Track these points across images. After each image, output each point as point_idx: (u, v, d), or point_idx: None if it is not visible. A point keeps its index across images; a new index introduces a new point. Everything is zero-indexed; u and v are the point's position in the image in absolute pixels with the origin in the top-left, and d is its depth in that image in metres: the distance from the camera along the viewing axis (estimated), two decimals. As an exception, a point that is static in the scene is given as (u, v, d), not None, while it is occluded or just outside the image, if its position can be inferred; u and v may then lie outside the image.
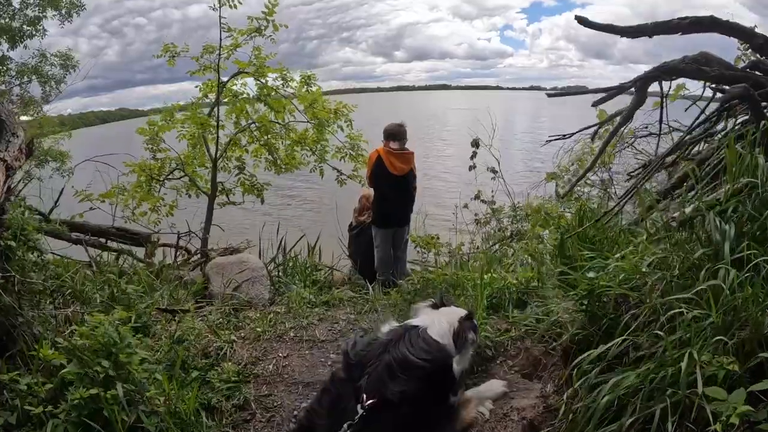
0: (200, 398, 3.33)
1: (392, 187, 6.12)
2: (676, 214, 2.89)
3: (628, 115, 3.88)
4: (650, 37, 3.67)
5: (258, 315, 4.57)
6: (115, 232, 7.72)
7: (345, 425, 2.47)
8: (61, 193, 7.17)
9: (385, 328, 2.93)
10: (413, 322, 2.97)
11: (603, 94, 3.81)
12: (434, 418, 2.79)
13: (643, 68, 3.92)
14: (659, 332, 2.38)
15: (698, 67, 3.65)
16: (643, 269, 2.79)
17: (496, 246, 7.63)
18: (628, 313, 2.70)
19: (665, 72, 3.62)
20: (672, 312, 2.37)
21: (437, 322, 2.96)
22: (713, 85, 4.10)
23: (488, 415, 3.08)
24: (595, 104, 4.03)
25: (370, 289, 5.07)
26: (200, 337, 3.99)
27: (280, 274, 5.85)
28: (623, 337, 2.56)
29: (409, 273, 6.52)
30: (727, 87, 3.94)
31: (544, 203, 6.96)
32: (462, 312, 3.20)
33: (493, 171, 8.25)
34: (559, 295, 3.81)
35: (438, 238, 5.66)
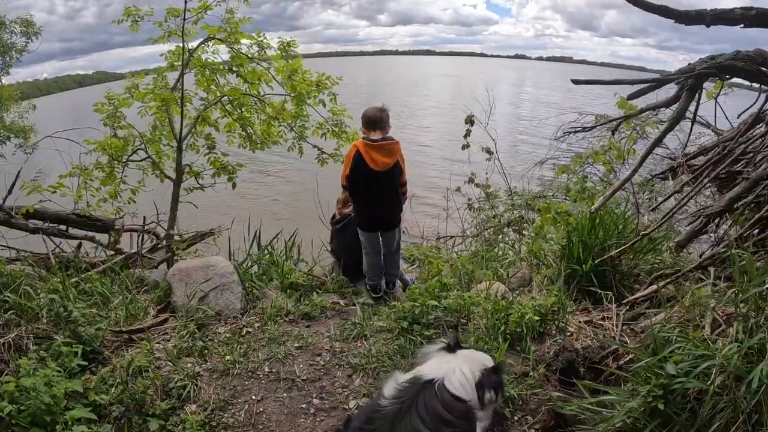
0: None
1: (375, 186, 5.16)
2: None
3: (677, 117, 3.29)
4: (707, 26, 3.05)
5: (228, 332, 3.97)
6: (76, 218, 7.05)
7: None
8: (16, 177, 6.39)
9: (390, 389, 2.33)
10: (426, 372, 2.41)
11: (641, 86, 3.20)
12: None
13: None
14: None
15: (758, 68, 3.06)
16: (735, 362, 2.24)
17: (491, 231, 7.11)
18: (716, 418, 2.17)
19: (722, 69, 3.03)
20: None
21: (457, 371, 2.42)
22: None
23: None
24: (631, 97, 3.43)
25: (358, 308, 4.39)
26: (160, 369, 3.41)
27: (254, 272, 5.15)
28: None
29: (403, 275, 5.92)
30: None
31: (553, 200, 6.32)
32: (485, 358, 2.64)
33: (489, 152, 7.64)
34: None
35: (440, 248, 4.94)
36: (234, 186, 7.45)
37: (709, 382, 2.27)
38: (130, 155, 7.44)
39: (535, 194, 7.12)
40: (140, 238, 7.41)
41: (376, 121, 5.20)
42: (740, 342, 2.31)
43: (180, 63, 7.22)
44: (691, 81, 3.26)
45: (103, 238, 7.17)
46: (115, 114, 7.46)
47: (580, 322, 3.94)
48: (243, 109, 7.60)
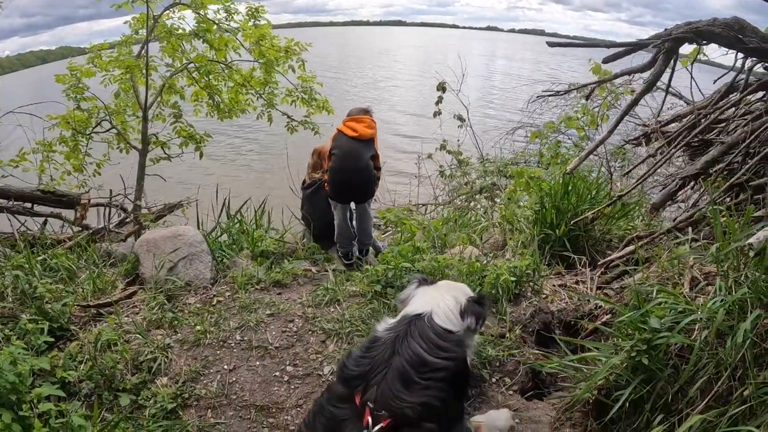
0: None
1: (349, 153, 5.28)
2: (752, 241, 2.29)
3: (653, 81, 3.29)
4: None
5: (198, 302, 3.91)
6: (41, 195, 6.84)
7: None
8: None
9: (383, 326, 2.36)
10: (413, 308, 2.43)
11: (617, 50, 3.20)
12: None
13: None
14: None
15: (736, 35, 3.08)
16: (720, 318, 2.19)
17: (463, 198, 7.10)
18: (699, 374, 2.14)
19: (698, 34, 3.04)
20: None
21: (442, 303, 2.45)
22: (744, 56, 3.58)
23: None
24: (606, 61, 3.42)
25: (330, 273, 4.37)
26: (129, 343, 3.34)
27: (224, 242, 5.06)
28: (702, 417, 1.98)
29: (376, 242, 5.91)
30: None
31: (525, 167, 6.31)
32: (465, 287, 2.69)
33: (461, 119, 7.60)
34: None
35: (413, 212, 4.88)
36: (201, 155, 7.31)
37: (693, 337, 2.27)
38: (94, 127, 7.23)
39: (507, 161, 7.10)
40: (107, 212, 7.25)
41: (358, 116, 5.49)
42: (723, 298, 2.29)
43: (145, 30, 6.99)
44: (668, 44, 3.27)
45: (70, 215, 6.99)
46: (77, 85, 7.22)
47: (554, 285, 3.98)
48: (210, 77, 7.41)
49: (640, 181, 4.00)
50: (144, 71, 6.76)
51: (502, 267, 3.69)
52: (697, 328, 2.29)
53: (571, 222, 4.33)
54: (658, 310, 2.45)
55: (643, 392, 2.30)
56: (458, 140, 7.54)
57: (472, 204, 6.80)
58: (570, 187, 4.48)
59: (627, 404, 2.32)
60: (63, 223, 6.86)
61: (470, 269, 3.83)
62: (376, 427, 1.99)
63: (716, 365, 2.14)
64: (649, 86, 3.79)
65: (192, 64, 7.24)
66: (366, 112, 5.49)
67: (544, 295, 3.76)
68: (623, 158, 6.86)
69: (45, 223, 6.71)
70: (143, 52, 7.10)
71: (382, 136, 7.54)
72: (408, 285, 2.77)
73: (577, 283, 4.02)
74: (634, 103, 4.14)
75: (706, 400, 2.05)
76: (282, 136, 7.93)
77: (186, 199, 7.11)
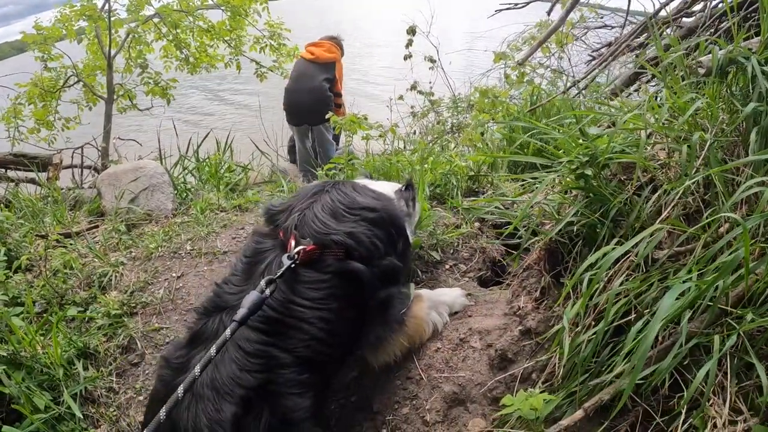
0: (74, 343, 2.72)
1: (303, 74, 5.31)
2: (702, 59, 2.23)
3: None
4: None
5: (159, 231, 3.91)
6: (12, 158, 6.83)
7: (262, 282, 1.82)
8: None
9: (315, 182, 2.37)
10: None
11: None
12: (381, 295, 2.15)
13: None
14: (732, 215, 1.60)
15: None
16: (677, 127, 2.00)
17: (435, 139, 7.04)
18: (651, 191, 1.95)
19: None
20: (746, 191, 1.63)
21: (378, 184, 2.47)
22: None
23: (442, 326, 2.43)
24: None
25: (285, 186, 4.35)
26: (85, 266, 3.34)
27: (187, 179, 5.01)
28: (656, 227, 1.74)
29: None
30: None
31: (489, 87, 6.22)
32: (397, 185, 2.65)
33: (431, 60, 7.51)
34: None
35: (366, 118, 4.81)
36: (169, 102, 7.24)
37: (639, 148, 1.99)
38: (63, 85, 7.19)
39: (481, 90, 6.99)
40: (81, 172, 7.23)
41: (320, 41, 5.68)
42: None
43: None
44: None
45: (44, 179, 6.95)
46: (44, 42, 7.17)
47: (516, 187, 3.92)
48: (178, 30, 7.34)
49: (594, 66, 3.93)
50: (108, 20, 6.67)
51: (456, 157, 3.66)
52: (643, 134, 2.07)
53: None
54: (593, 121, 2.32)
55: (594, 222, 2.07)
56: (430, 83, 7.46)
57: (445, 143, 6.75)
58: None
59: (581, 245, 2.13)
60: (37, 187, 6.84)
61: (421, 160, 3.78)
62: (298, 248, 1.93)
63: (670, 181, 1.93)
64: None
65: (157, 17, 7.16)
66: (333, 39, 5.47)
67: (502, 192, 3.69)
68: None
69: (17, 185, 6.69)
70: (106, 5, 7.02)
71: (359, 87, 7.45)
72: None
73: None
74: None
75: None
76: (255, 85, 7.84)
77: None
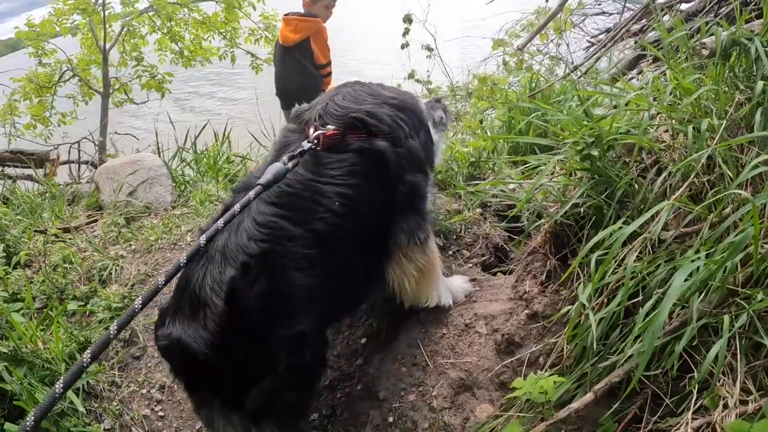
0: (75, 337, 2.69)
1: (277, 61, 5.37)
2: (705, 41, 2.20)
3: None
4: None
5: (157, 222, 3.88)
6: (9, 155, 6.80)
7: (285, 156, 1.88)
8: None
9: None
10: None
11: None
12: (408, 179, 2.13)
13: None
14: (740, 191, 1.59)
15: None
16: (681, 109, 1.98)
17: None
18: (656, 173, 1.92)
19: None
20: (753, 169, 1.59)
21: None
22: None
23: (448, 306, 2.41)
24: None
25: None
26: (85, 260, 3.31)
27: (185, 172, 4.98)
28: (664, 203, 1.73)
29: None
30: None
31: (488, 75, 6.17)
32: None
33: (429, 48, 7.45)
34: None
35: None
36: (163, 95, 7.19)
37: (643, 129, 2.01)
38: (58, 80, 7.14)
39: (480, 77, 6.95)
40: (78, 168, 7.20)
41: (288, 18, 5.35)
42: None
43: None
44: None
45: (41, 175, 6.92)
46: (37, 38, 7.12)
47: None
48: (172, 23, 7.28)
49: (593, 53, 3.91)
50: (102, 14, 6.63)
51: (456, 143, 3.63)
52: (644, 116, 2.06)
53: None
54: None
55: (600, 203, 2.04)
56: (427, 71, 7.41)
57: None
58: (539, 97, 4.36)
59: (587, 227, 2.11)
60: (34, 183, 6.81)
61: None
62: (317, 132, 1.95)
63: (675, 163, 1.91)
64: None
65: (151, 9, 7.11)
66: (307, 6, 5.27)
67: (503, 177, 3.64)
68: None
69: (14, 181, 6.66)
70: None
71: (356, 76, 7.35)
72: None
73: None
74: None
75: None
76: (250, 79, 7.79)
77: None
